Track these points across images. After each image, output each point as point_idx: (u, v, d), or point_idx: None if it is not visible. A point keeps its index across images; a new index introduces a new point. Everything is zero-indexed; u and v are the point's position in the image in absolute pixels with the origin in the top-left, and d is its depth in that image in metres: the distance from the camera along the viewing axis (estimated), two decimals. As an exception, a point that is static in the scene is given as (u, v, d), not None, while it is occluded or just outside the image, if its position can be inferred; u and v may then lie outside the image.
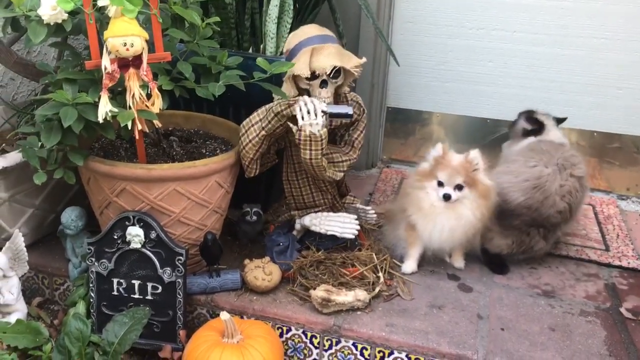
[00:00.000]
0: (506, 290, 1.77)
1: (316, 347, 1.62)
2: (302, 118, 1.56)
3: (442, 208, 1.71)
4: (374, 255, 1.80)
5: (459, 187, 1.69)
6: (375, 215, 1.97)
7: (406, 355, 1.54)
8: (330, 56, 1.61)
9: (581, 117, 2.38)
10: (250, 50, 2.01)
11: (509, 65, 2.41)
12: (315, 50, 1.62)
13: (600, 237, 2.08)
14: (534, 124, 2.00)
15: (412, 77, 2.52)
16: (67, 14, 1.40)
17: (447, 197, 1.69)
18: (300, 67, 1.61)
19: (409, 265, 1.81)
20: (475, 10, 2.38)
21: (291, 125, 1.61)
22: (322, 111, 1.57)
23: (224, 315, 1.49)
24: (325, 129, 1.58)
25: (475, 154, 1.70)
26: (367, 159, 2.59)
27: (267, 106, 1.65)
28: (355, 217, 1.80)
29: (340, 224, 1.77)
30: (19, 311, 1.67)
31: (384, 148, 2.67)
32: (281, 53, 1.92)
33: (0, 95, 2.08)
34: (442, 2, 2.40)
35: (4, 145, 1.81)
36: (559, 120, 2.04)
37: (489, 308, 1.68)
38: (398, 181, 2.47)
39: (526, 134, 2.01)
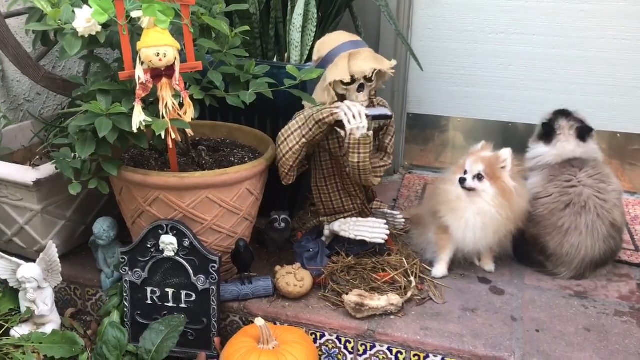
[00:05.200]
0: (538, 292, 1.76)
1: (350, 352, 1.62)
2: (349, 122, 1.59)
3: (466, 201, 1.72)
4: (404, 260, 1.81)
5: (478, 177, 1.70)
6: (403, 220, 1.97)
7: (442, 359, 1.53)
8: (368, 60, 1.64)
9: (603, 119, 2.36)
10: (275, 59, 2.03)
11: (529, 69, 2.41)
12: (352, 55, 1.64)
13: (629, 238, 2.06)
14: (546, 130, 1.92)
15: (432, 83, 2.53)
16: (100, 26, 1.42)
17: (461, 181, 1.71)
18: (341, 72, 1.61)
19: (440, 269, 1.81)
20: (494, 14, 2.38)
21: (339, 130, 1.63)
22: (365, 114, 1.60)
23: (259, 321, 1.49)
24: (371, 132, 1.59)
25: (505, 153, 1.71)
26: (389, 166, 2.59)
27: (305, 114, 1.66)
28: (385, 221, 1.80)
29: (369, 229, 1.78)
30: (53, 322, 1.69)
31: (405, 154, 2.67)
32: (306, 61, 1.94)
33: (29, 110, 2.11)
34: (460, 7, 2.41)
35: (36, 157, 1.83)
36: (584, 131, 1.89)
37: (522, 310, 1.67)
38: (421, 187, 2.47)
39: (540, 136, 1.96)
